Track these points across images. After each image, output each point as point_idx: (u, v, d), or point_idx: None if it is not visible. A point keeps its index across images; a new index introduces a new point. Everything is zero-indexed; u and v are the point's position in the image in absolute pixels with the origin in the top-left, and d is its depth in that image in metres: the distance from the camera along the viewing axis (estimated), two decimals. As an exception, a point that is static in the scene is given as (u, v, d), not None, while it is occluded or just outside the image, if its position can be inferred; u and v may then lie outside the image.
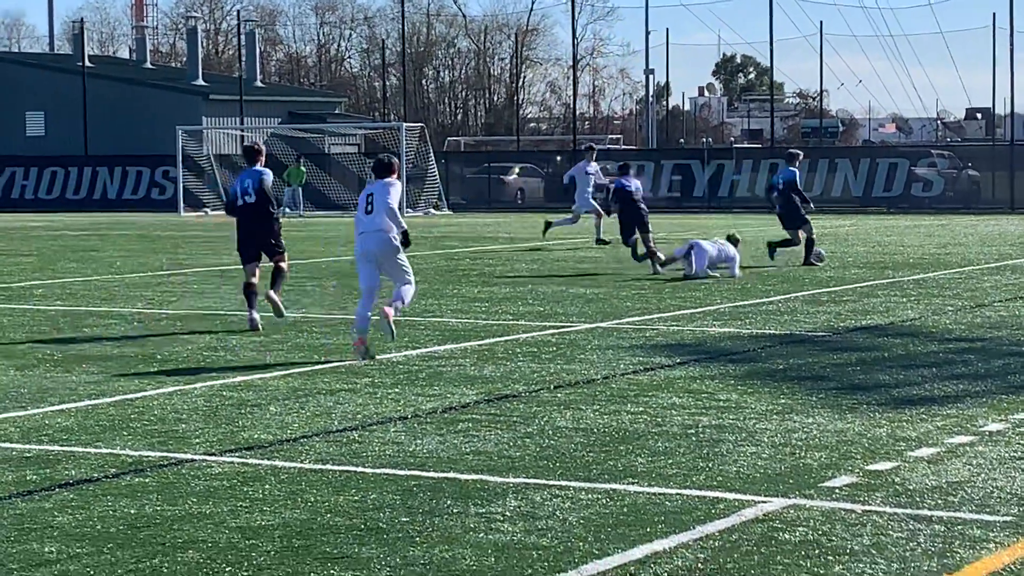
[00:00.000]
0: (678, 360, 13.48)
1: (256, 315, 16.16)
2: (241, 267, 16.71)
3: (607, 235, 29.16)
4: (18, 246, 32.74)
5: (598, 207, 29.89)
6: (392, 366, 13.27)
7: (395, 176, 14.24)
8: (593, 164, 30.82)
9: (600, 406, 11.09)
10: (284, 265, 16.60)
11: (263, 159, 17.15)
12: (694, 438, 9.87)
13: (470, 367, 13.16)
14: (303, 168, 51.73)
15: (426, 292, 20.20)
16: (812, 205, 26.44)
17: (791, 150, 28.16)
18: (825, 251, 25.77)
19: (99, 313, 18.01)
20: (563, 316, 17.16)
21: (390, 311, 13.87)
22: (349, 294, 20.00)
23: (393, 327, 13.90)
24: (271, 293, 16.14)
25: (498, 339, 15.11)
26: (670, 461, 9.17)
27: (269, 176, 16.84)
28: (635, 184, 24.84)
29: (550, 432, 10.11)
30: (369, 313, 13.90)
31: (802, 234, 24.79)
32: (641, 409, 10.94)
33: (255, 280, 16.32)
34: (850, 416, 10.58)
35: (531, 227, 37.63)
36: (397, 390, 11.91)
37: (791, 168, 25.36)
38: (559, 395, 11.64)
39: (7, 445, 9.82)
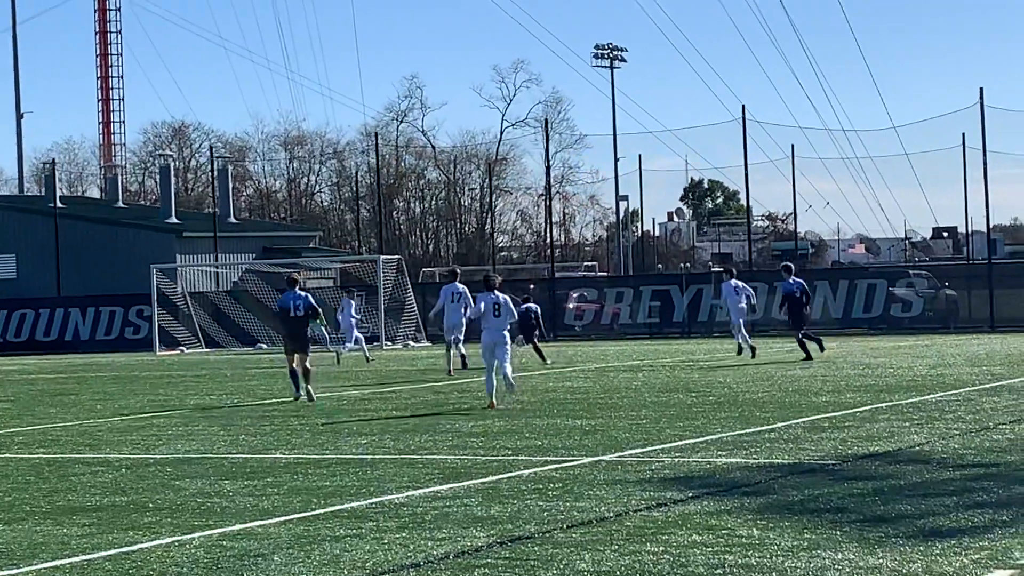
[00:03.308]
0: (690, 494, 13.05)
1: (302, 391, 24.98)
2: (284, 357, 25.73)
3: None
4: (-6, 391, 32.21)
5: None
6: (395, 508, 12.81)
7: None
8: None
9: (619, 546, 10.65)
10: (308, 363, 25.17)
11: (300, 284, 26.46)
12: (722, 579, 9.44)
13: (476, 507, 12.70)
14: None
15: (419, 428, 19.79)
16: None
17: (787, 263, 36.40)
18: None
19: (84, 460, 17.50)
20: (563, 450, 16.73)
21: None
22: (338, 432, 19.58)
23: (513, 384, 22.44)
24: (309, 388, 24.97)
25: (500, 476, 14.67)
26: (702, 605, 8.73)
27: (311, 297, 25.80)
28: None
29: (571, 576, 9.66)
30: (493, 382, 22.10)
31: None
32: (661, 548, 10.51)
33: (296, 367, 25.10)
34: (879, 551, 10.16)
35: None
36: (404, 534, 11.45)
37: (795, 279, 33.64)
38: (574, 535, 11.20)
39: (2, 607, 9.33)
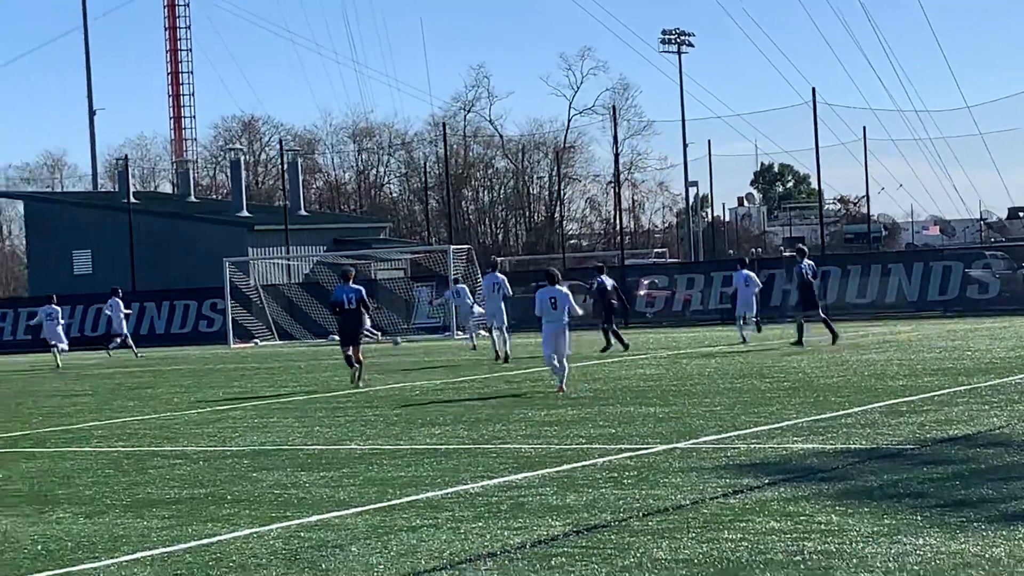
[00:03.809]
0: (767, 481, 12.97)
1: (355, 369, 26.75)
2: (340, 348, 27.65)
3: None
4: (73, 385, 32.52)
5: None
6: (471, 498, 12.82)
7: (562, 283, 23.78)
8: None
9: (696, 534, 10.60)
10: (360, 355, 26.97)
11: (353, 278, 27.60)
12: (802, 566, 9.36)
13: (552, 496, 12.69)
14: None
15: (492, 417, 19.80)
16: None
17: (800, 246, 37.20)
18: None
19: (163, 453, 17.64)
20: (637, 438, 16.69)
21: (565, 388, 23.21)
22: (412, 423, 19.63)
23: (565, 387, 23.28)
24: (356, 373, 26.80)
25: (575, 464, 14.65)
26: (782, 592, 8.68)
27: (363, 291, 27.41)
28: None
29: (648, 565, 9.62)
30: (557, 367, 23.26)
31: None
32: (739, 535, 10.45)
33: (350, 353, 26.77)
34: (961, 536, 10.06)
35: (585, 345, 37.22)
36: (481, 524, 11.45)
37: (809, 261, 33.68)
38: (650, 523, 11.16)
39: (85, 600, 9.41)
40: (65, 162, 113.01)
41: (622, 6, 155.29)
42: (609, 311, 35.85)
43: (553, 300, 23.37)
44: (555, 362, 23.29)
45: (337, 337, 51.27)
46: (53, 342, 43.50)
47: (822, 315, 33.60)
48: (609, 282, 36.45)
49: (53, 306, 44.28)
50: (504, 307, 34.30)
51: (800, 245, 39.38)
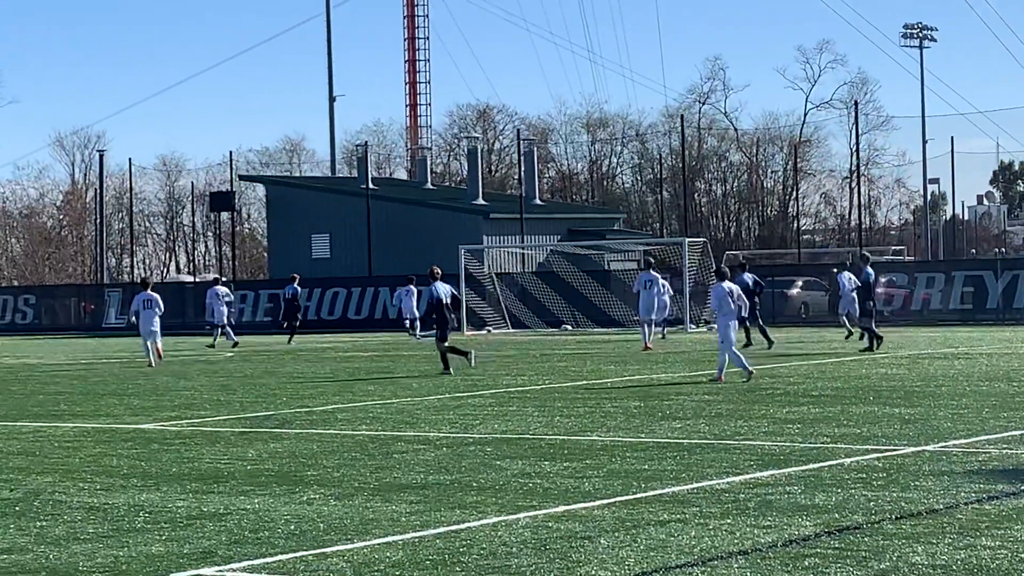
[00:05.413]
0: (1022, 487, 12.62)
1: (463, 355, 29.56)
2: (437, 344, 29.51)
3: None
4: (314, 368, 33.17)
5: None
6: (718, 494, 12.73)
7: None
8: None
9: (952, 539, 10.36)
10: (447, 344, 29.34)
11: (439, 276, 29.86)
12: (1066, 578, 9.09)
13: (800, 495, 12.52)
14: None
15: (733, 413, 19.64)
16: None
17: (865, 253, 37.45)
18: None
19: (405, 438, 17.87)
20: (884, 438, 16.39)
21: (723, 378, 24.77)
22: (652, 416, 19.57)
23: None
24: (462, 349, 29.94)
25: (821, 464, 14.44)
26: (1048, 605, 8.43)
27: (454, 289, 30.88)
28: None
29: (905, 569, 9.43)
30: (724, 360, 24.92)
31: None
32: (998, 543, 10.18)
33: (454, 347, 29.77)
34: None
35: (820, 342, 36.78)
36: (729, 521, 11.36)
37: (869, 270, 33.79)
38: (904, 527, 10.94)
39: (341, 581, 9.57)
40: (303, 147, 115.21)
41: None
42: (752, 309, 36.03)
43: (732, 294, 25.05)
44: (727, 353, 24.83)
45: (569, 327, 51.95)
46: (220, 323, 44.45)
47: (867, 324, 33.91)
48: (751, 278, 36.84)
49: (220, 287, 45.44)
50: (655, 303, 38.61)
51: (865, 252, 40.07)
